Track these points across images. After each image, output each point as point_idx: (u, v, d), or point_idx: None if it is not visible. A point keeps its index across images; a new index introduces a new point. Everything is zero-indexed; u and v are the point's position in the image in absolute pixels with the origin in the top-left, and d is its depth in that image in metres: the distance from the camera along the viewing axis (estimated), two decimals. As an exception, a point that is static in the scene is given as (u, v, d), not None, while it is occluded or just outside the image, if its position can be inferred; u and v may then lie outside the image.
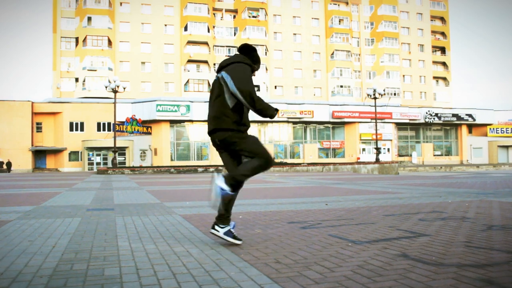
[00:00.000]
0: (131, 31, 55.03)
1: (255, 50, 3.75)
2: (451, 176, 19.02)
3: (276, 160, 42.80)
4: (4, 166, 40.71)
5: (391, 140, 52.55)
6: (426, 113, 52.98)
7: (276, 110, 3.55)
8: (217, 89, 3.56)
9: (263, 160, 3.48)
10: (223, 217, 3.55)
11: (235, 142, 3.50)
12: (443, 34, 69.87)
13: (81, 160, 43.45)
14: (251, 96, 3.41)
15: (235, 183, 3.50)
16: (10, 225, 4.78)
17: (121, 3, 55.03)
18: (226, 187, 3.45)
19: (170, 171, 28.65)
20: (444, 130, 56.78)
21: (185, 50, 55.98)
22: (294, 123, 49.39)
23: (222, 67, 3.64)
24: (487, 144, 56.62)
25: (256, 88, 56.03)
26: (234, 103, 3.49)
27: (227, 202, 3.53)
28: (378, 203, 6.91)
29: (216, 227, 3.56)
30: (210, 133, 3.61)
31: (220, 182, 3.47)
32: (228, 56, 57.29)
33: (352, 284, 2.41)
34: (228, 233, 3.54)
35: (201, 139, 45.21)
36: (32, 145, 43.00)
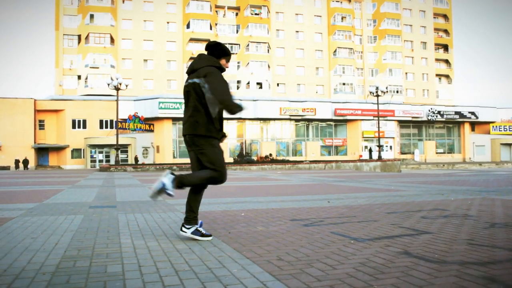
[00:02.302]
0: (134, 28, 55.03)
1: (218, 44, 3.78)
2: (453, 174, 19.00)
3: (278, 158, 42.78)
4: (20, 164, 40.92)
5: (393, 137, 52.48)
6: (429, 110, 52.87)
7: (240, 107, 3.57)
8: (194, 95, 3.62)
9: (216, 174, 3.61)
10: (190, 218, 3.68)
11: (202, 144, 3.61)
12: (446, 31, 69.64)
13: (83, 157, 43.54)
14: (231, 107, 3.50)
15: (181, 185, 3.62)
16: (13, 222, 4.80)
17: (123, 1, 55.03)
18: (169, 185, 3.57)
19: (172, 169, 28.68)
20: (446, 128, 56.67)
21: (187, 47, 55.98)
22: (297, 120, 49.36)
23: (193, 70, 3.68)
24: (490, 142, 56.47)
25: (258, 86, 55.80)
26: (217, 110, 3.62)
27: (191, 203, 3.67)
28: (380, 200, 6.90)
29: (184, 228, 3.69)
30: (184, 135, 3.74)
31: (166, 179, 3.58)
32: (230, 53, 57.46)
33: (354, 281, 2.41)
34: (196, 232, 3.65)
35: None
36: (34, 142, 43.10)
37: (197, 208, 3.72)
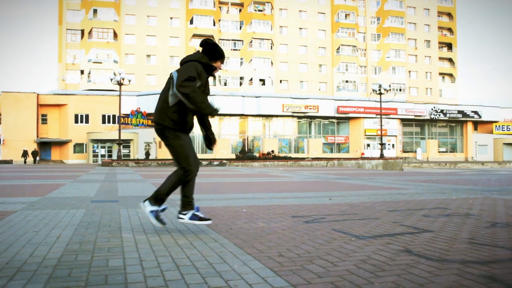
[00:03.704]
0: (137, 24, 55.01)
1: (214, 45, 3.73)
2: (455, 173, 18.97)
3: (280, 155, 42.77)
4: (29, 156, 40.77)
5: (396, 136, 52.39)
6: (432, 109, 52.73)
7: (216, 110, 3.49)
8: (166, 85, 3.67)
9: (181, 173, 3.65)
10: (185, 203, 3.69)
11: (166, 137, 3.64)
12: (450, 30, 69.39)
13: (85, 152, 43.62)
14: (186, 93, 3.37)
15: (159, 201, 3.70)
16: (15, 216, 4.81)
17: (126, -4, 55.02)
18: (154, 208, 3.67)
19: (174, 164, 28.70)
20: (449, 127, 56.52)
21: (190, 43, 55.92)
22: (299, 117, 49.31)
23: (181, 64, 3.70)
24: (493, 142, 56.30)
25: (261, 83, 55.43)
26: (176, 101, 3.56)
27: (184, 190, 3.68)
28: (382, 198, 6.90)
29: (180, 215, 3.70)
30: (155, 123, 3.75)
31: (148, 208, 3.68)
32: (233, 50, 57.46)
33: (355, 278, 2.41)
34: (193, 217, 3.66)
35: (205, 133, 45.18)
36: (37, 136, 43.20)
37: (191, 193, 3.71)
